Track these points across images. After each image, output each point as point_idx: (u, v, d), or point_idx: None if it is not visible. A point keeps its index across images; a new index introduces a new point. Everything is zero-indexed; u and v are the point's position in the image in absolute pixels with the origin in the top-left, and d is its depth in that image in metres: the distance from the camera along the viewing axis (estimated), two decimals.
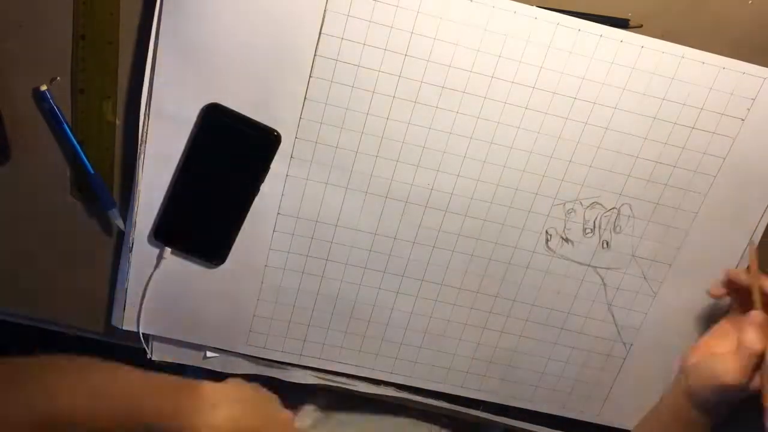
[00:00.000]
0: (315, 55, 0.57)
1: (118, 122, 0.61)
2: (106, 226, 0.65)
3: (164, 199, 0.62)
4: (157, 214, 0.62)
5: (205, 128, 0.59)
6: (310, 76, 0.58)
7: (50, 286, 0.67)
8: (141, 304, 0.65)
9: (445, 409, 0.73)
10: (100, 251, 0.66)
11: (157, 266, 0.64)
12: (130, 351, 0.74)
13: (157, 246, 0.63)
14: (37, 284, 0.67)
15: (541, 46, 0.58)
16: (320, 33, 0.56)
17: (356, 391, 0.72)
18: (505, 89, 0.59)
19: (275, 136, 0.60)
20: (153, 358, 0.69)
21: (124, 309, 0.66)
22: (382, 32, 0.56)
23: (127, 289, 0.65)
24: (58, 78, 0.59)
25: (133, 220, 0.62)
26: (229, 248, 0.63)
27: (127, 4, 0.57)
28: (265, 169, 0.61)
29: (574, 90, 0.59)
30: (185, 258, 0.64)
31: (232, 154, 0.60)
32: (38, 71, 0.59)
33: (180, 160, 0.61)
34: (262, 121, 0.59)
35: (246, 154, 0.60)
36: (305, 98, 0.59)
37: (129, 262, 0.63)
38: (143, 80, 0.58)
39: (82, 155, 0.61)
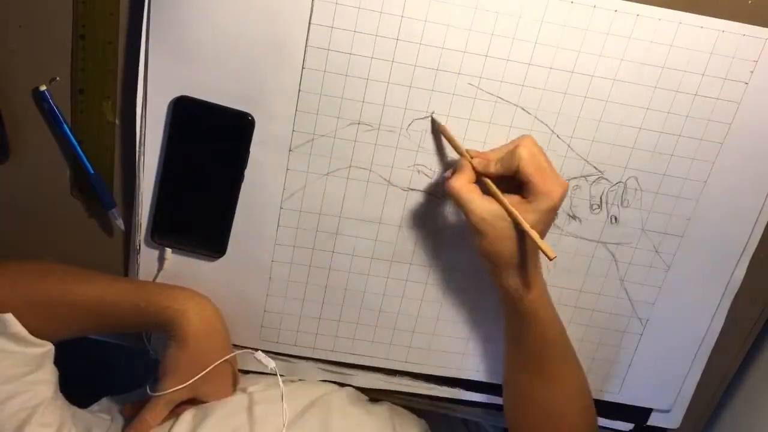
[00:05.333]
0: (306, 45, 0.57)
1: (118, 122, 0.61)
2: (106, 226, 0.65)
3: (153, 199, 0.62)
4: (149, 216, 0.62)
5: (178, 122, 0.59)
6: (302, 68, 0.58)
7: None
8: None
9: (458, 400, 0.72)
10: (100, 251, 0.66)
11: (161, 267, 0.64)
12: (130, 351, 0.74)
13: (157, 247, 0.63)
14: None
15: (534, 21, 0.57)
16: (309, 23, 0.56)
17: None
18: (501, 67, 0.58)
19: (249, 120, 0.59)
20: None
21: None
22: (371, 18, 0.56)
23: None
24: (58, 78, 0.60)
25: (138, 222, 0.62)
26: (227, 238, 0.63)
27: (127, 4, 0.57)
28: (245, 154, 0.60)
29: (571, 64, 0.58)
30: (188, 256, 0.64)
31: (209, 144, 0.60)
32: (38, 71, 0.60)
33: (160, 159, 0.61)
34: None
35: (223, 141, 0.60)
36: (299, 90, 0.58)
37: (137, 264, 0.64)
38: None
39: (82, 155, 0.61)
